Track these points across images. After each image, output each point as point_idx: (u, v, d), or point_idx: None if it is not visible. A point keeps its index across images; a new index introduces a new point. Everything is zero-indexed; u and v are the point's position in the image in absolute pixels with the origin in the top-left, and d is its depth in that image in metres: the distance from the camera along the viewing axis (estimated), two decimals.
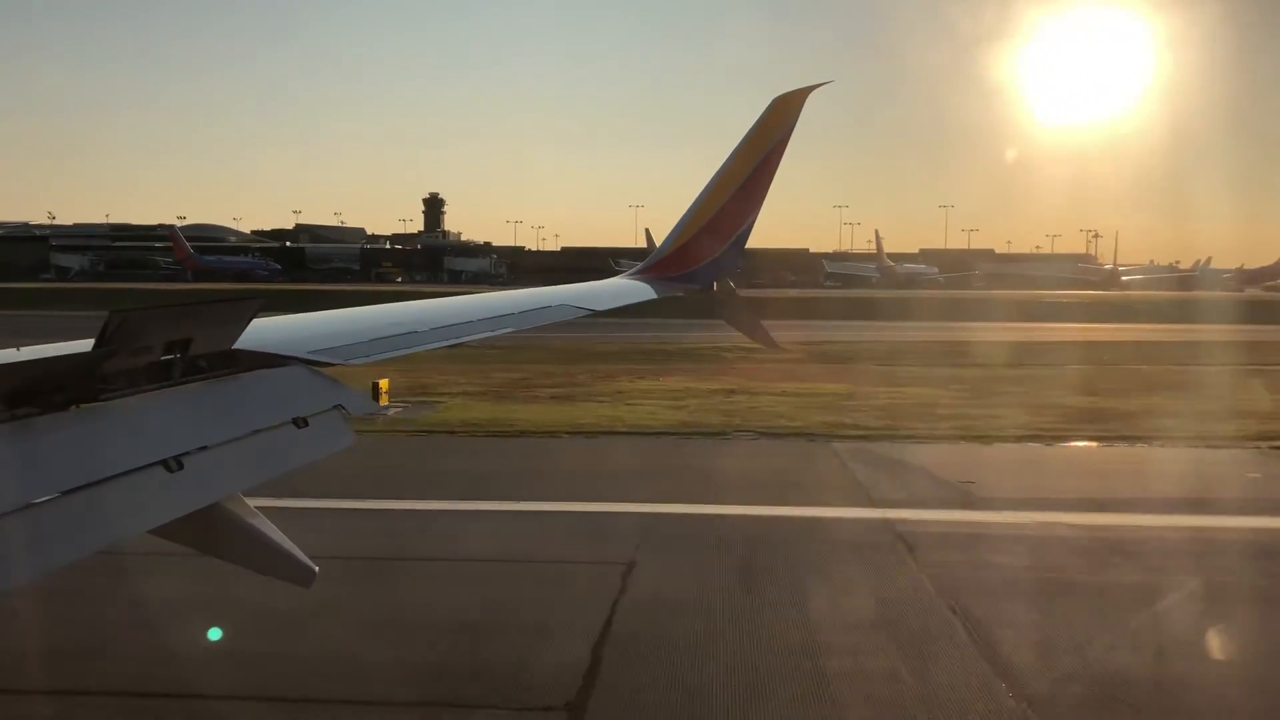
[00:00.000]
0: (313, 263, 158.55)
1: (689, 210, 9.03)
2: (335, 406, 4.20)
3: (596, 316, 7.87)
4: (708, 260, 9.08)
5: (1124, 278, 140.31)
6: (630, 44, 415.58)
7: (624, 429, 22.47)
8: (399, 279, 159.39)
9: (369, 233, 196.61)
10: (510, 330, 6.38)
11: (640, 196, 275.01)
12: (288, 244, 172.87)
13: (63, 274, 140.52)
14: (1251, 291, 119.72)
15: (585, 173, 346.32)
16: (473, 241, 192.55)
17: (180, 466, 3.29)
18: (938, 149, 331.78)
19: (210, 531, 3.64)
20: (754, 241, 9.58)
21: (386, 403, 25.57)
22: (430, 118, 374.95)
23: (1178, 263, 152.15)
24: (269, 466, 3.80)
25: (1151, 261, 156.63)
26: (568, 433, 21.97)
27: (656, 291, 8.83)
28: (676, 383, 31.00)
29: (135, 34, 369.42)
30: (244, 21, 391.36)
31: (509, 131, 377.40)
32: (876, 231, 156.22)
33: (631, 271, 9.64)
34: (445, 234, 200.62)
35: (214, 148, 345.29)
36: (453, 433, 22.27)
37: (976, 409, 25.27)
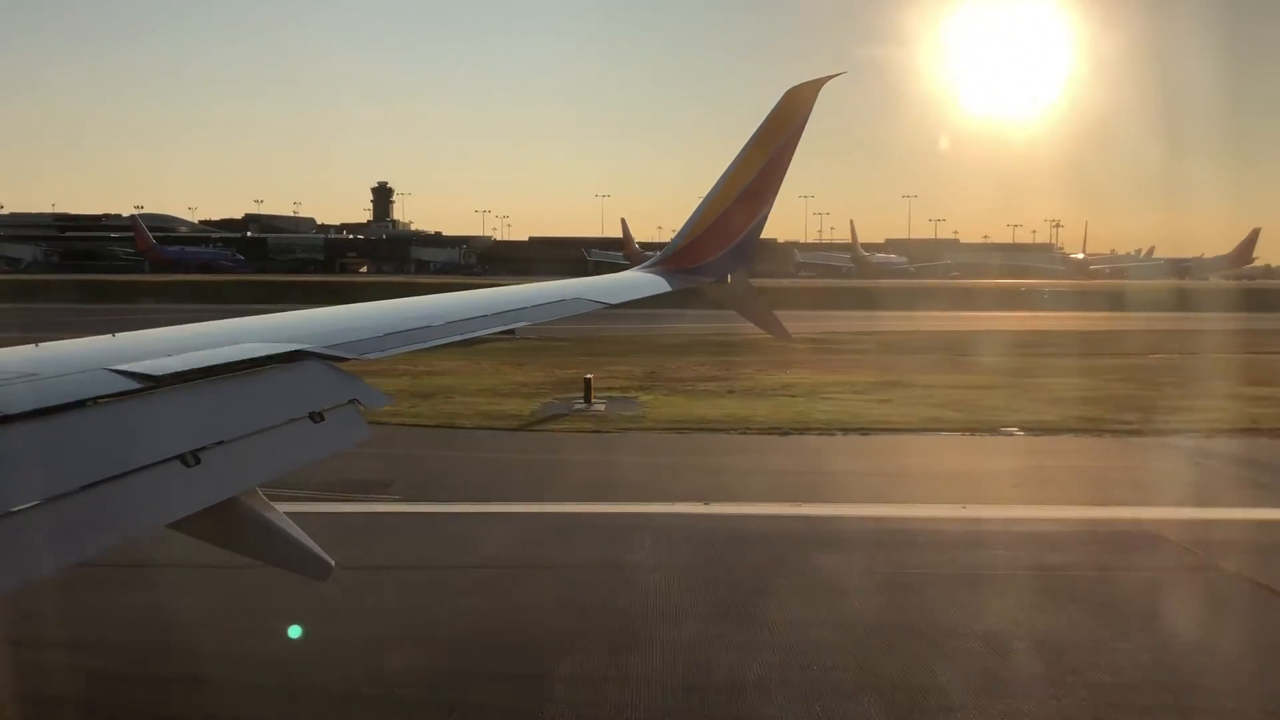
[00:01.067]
0: (275, 253, 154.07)
1: (702, 204, 9.09)
2: (350, 401, 4.22)
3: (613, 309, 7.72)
4: (721, 253, 9.10)
5: (1092, 267, 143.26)
6: (596, 32, 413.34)
7: (880, 426, 21.63)
8: (363, 269, 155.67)
9: (319, 222, 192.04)
10: (525, 324, 6.38)
11: (606, 186, 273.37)
12: (248, 234, 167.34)
13: (14, 265, 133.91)
14: (1215, 280, 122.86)
15: (550, 163, 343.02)
16: (424, 231, 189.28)
17: (198, 461, 3.30)
18: (901, 140, 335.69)
19: (227, 526, 3.68)
20: None
21: (594, 399, 24.36)
22: (388, 107, 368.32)
23: (1138, 250, 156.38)
24: (285, 461, 3.83)
25: (1113, 251, 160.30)
26: (841, 430, 20.97)
27: (671, 284, 8.80)
28: (822, 376, 29.93)
29: (79, 19, 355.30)
30: (190, 6, 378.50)
31: (470, 121, 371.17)
32: (851, 222, 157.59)
33: (645, 265, 9.66)
34: (395, 223, 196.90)
35: (161, 136, 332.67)
36: (707, 429, 21.26)
37: (1181, 401, 25.03)
